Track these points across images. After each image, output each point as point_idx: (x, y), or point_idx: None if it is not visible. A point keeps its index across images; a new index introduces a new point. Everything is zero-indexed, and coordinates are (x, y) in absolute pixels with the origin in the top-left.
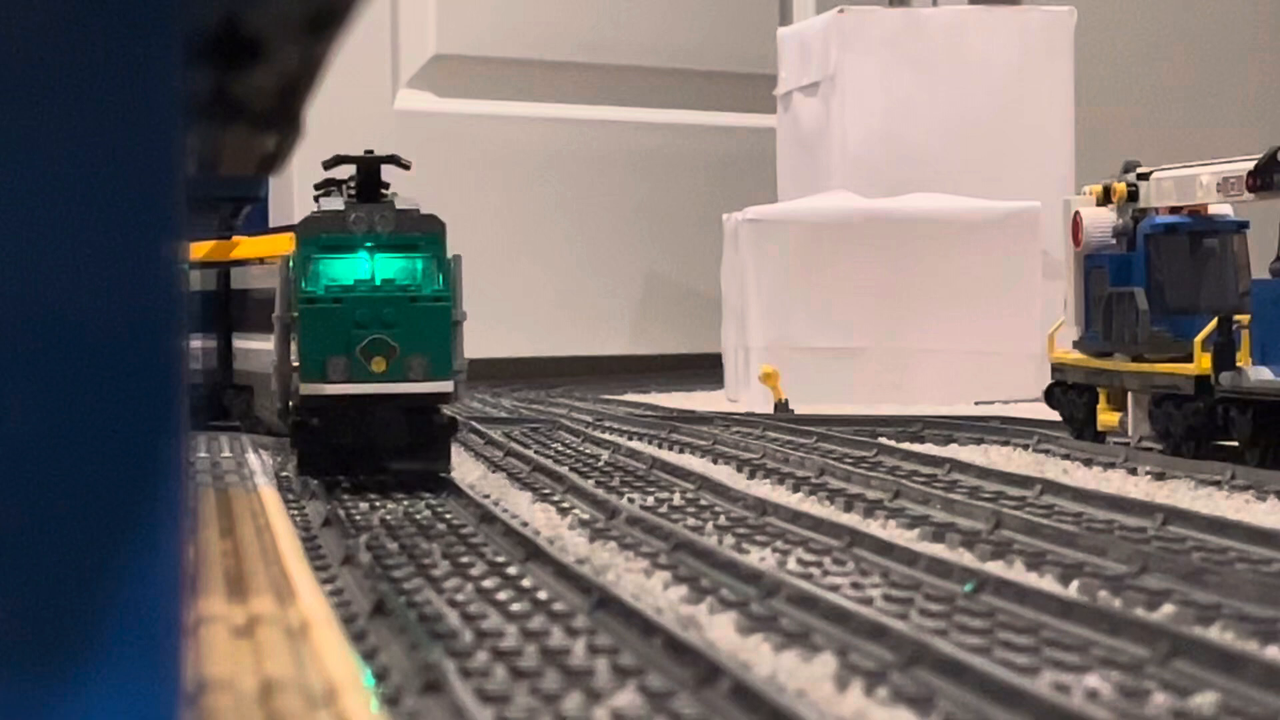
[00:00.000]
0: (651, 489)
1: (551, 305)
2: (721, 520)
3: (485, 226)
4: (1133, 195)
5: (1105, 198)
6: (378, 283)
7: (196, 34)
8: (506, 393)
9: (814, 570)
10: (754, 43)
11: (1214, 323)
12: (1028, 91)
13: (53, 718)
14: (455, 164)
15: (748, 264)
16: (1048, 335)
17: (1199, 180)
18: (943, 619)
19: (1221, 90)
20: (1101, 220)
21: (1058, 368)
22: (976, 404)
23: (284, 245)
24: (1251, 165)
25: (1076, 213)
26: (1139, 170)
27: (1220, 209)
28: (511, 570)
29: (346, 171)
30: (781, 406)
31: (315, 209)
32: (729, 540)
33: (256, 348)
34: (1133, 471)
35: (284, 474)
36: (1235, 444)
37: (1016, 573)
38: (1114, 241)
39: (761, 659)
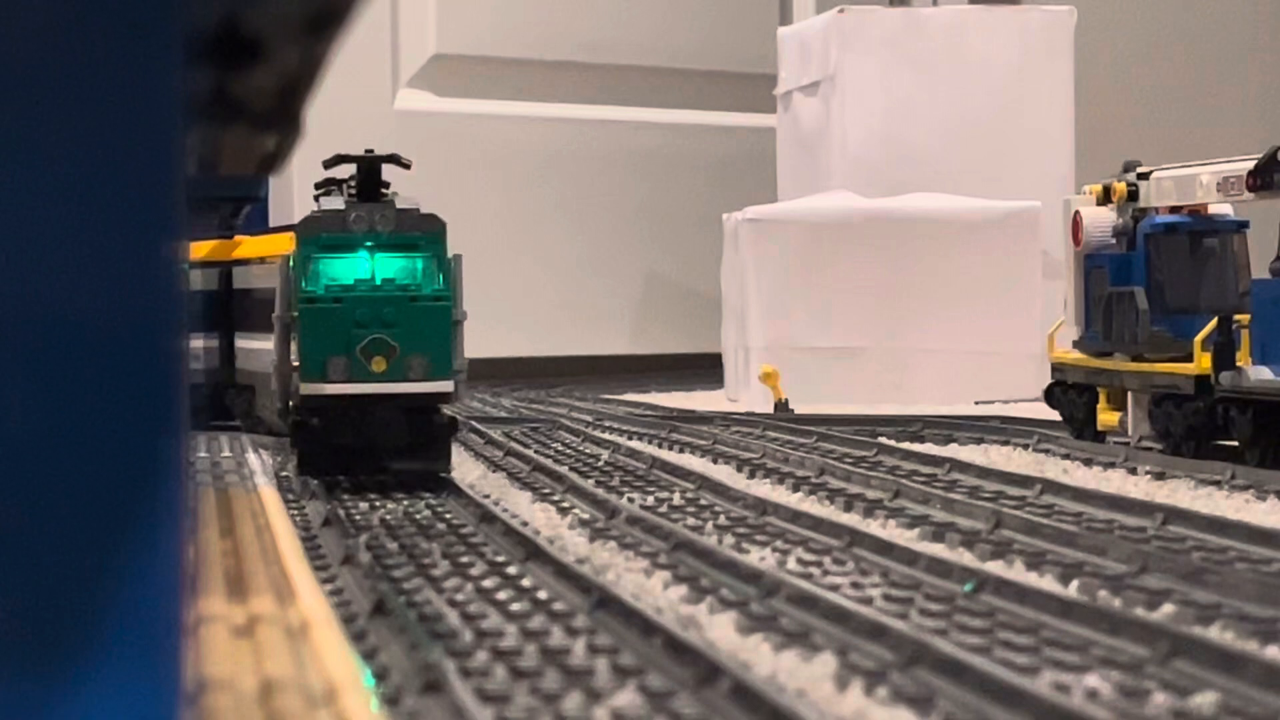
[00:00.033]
0: (651, 489)
1: (551, 305)
2: (721, 520)
3: (485, 226)
4: (1133, 195)
5: (1105, 197)
6: (378, 282)
7: (196, 34)
8: (506, 392)
9: (814, 570)
10: (754, 43)
11: (1214, 322)
12: (1028, 91)
13: (53, 718)
14: (455, 164)
15: (748, 264)
16: (1048, 335)
17: (1199, 180)
18: (943, 619)
19: (1221, 90)
20: (1101, 220)
21: (1058, 367)
22: (976, 404)
23: (286, 245)
24: (1251, 165)
25: (1076, 212)
26: (1139, 170)
27: (1220, 209)
28: (511, 570)
29: (347, 171)
30: (781, 406)
31: (315, 208)
32: (729, 540)
33: (258, 347)
34: (1133, 471)
35: (284, 474)
36: (1235, 444)
37: (1016, 572)
38: (1114, 241)
39: (761, 659)
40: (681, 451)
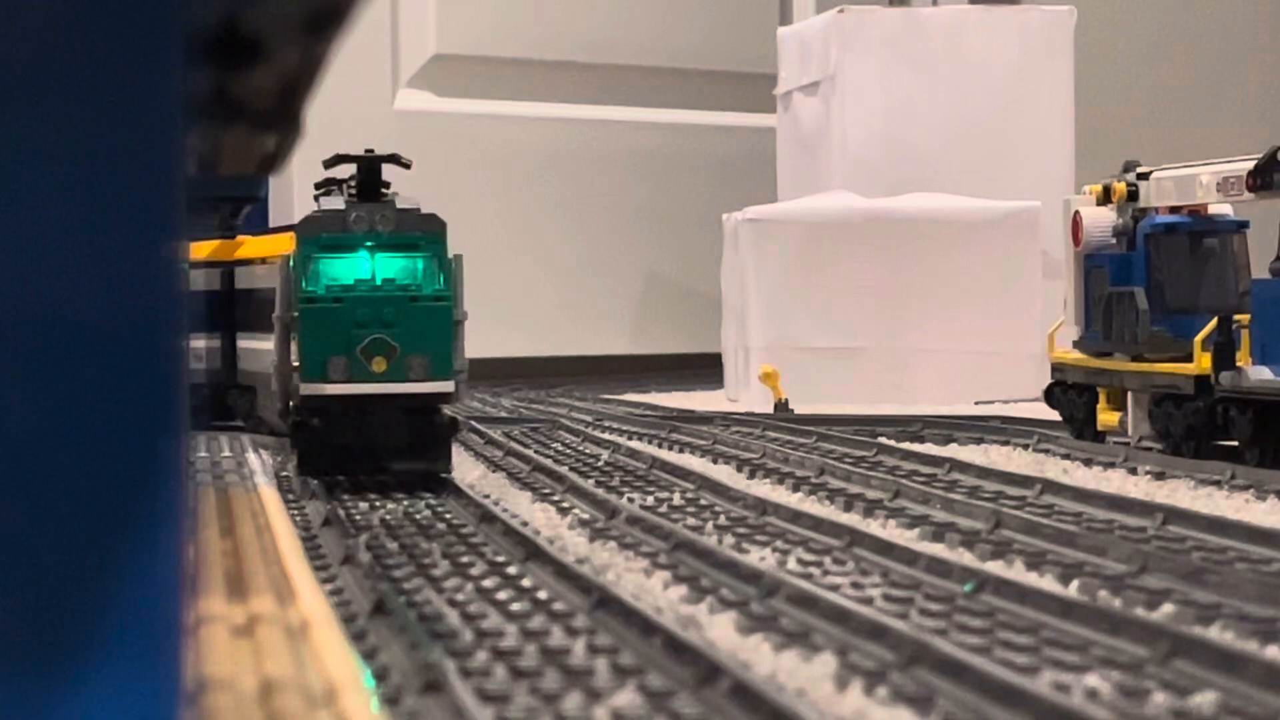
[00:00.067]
0: (651, 489)
1: (551, 305)
2: (721, 520)
3: (485, 226)
4: (1133, 195)
5: (1105, 198)
6: (378, 282)
7: (196, 34)
8: (506, 393)
9: (814, 570)
10: (754, 43)
11: (1214, 323)
12: (1028, 91)
13: (53, 718)
14: (455, 164)
15: (748, 264)
16: (1048, 335)
17: (1199, 180)
18: (943, 619)
19: (1221, 90)
20: (1101, 220)
21: (1058, 367)
22: (976, 404)
23: (288, 245)
24: (1251, 165)
25: (1076, 212)
26: (1139, 170)
27: (1220, 209)
28: (511, 570)
29: (347, 171)
30: (781, 406)
31: (315, 208)
32: (729, 540)
33: (260, 348)
34: (1133, 471)
35: (284, 474)
36: (1235, 444)
37: (1016, 572)
38: (1114, 241)
39: (761, 659)
40: (681, 451)
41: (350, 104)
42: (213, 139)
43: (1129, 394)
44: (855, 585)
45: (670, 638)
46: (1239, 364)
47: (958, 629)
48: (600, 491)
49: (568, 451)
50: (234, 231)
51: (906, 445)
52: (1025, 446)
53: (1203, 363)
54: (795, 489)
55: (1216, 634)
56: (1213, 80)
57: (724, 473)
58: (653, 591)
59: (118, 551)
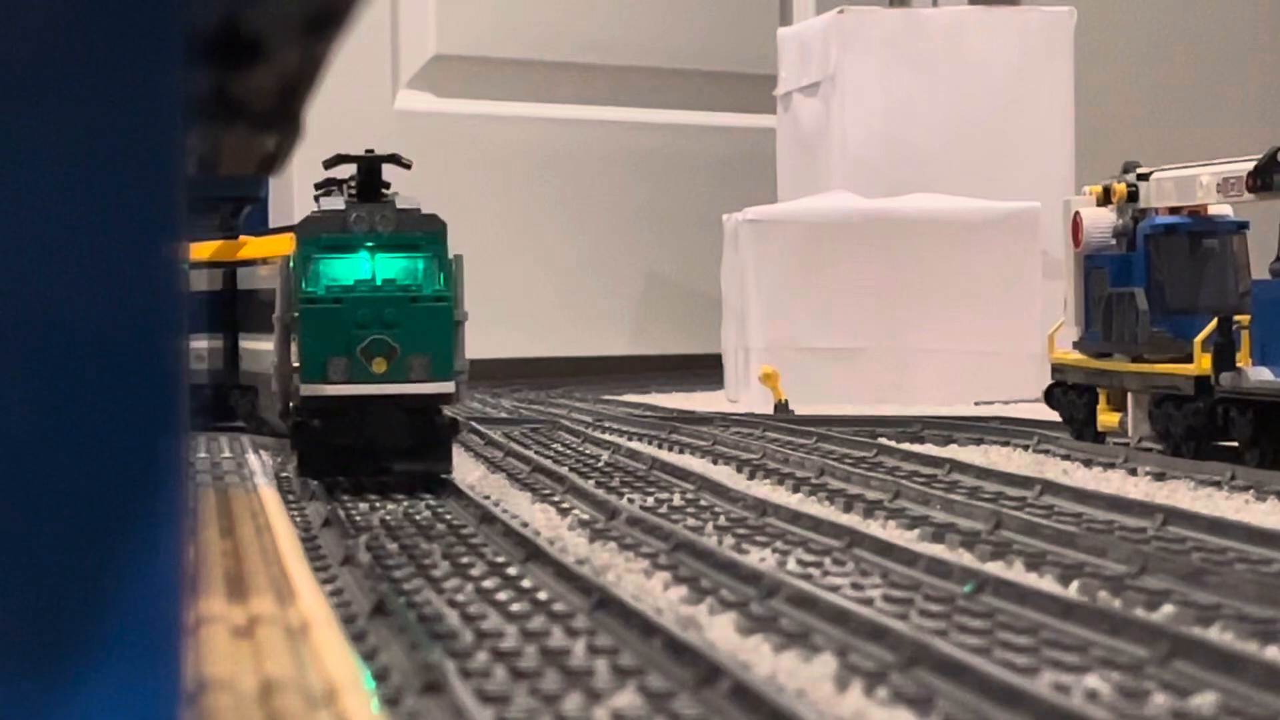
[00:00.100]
0: (651, 489)
1: (551, 305)
2: (721, 521)
3: (485, 226)
4: (1133, 195)
5: (1105, 198)
6: (378, 283)
7: (196, 34)
8: (506, 393)
9: (814, 571)
10: (754, 43)
11: (1214, 323)
12: (1028, 91)
13: (53, 718)
14: (455, 164)
15: (748, 264)
16: (1048, 335)
17: (1199, 180)
18: (943, 619)
19: (1221, 90)
20: (1101, 220)
21: (1058, 368)
22: (976, 404)
23: (290, 246)
24: (1251, 165)
25: (1076, 213)
26: (1139, 170)
27: (1220, 209)
28: (511, 571)
29: (347, 171)
30: (781, 407)
31: (315, 209)
32: (729, 541)
33: (262, 349)
34: (1133, 472)
35: (284, 474)
36: (1235, 444)
37: (1016, 573)
38: (1114, 242)
39: (761, 659)
40: (681, 452)
41: (350, 104)
42: (213, 139)
43: (1129, 395)
44: (855, 586)
45: (670, 638)
46: (1239, 365)
47: (958, 630)
48: (600, 492)
49: (568, 452)
50: (236, 232)
51: (906, 446)
52: (1025, 447)
53: (1203, 363)
54: (795, 490)
55: (1216, 635)
56: (1213, 80)
57: (724, 473)
58: (653, 592)
59: (118, 551)
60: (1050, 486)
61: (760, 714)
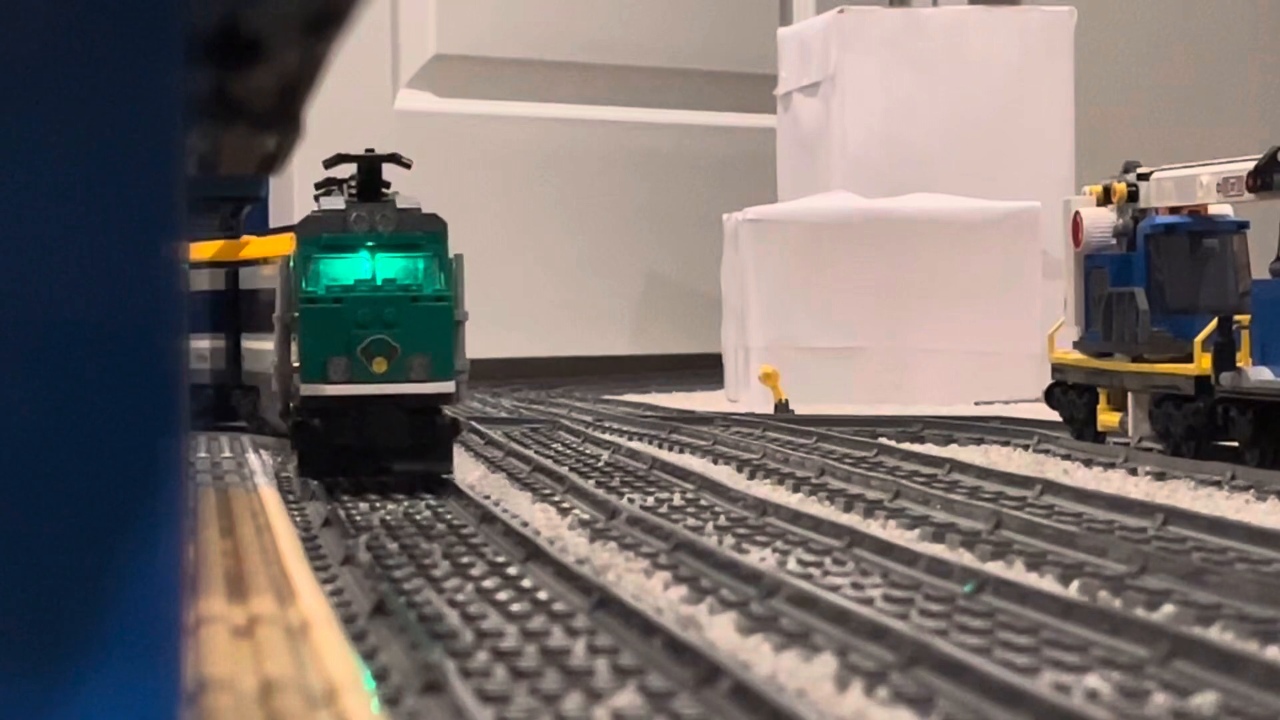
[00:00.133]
0: (652, 489)
1: (551, 305)
2: (721, 520)
3: (485, 226)
4: (1133, 195)
5: (1105, 198)
6: (379, 282)
7: (196, 34)
8: (507, 393)
9: (814, 570)
10: (754, 43)
11: (1214, 323)
12: (1028, 91)
13: (53, 718)
14: (455, 164)
15: (748, 264)
16: (1048, 335)
17: (1199, 180)
18: (943, 619)
19: (1221, 90)
20: (1101, 220)
21: (1058, 368)
22: (976, 404)
23: (292, 245)
24: (1251, 165)
25: (1076, 213)
26: (1139, 170)
27: (1220, 209)
28: (511, 570)
29: (347, 170)
30: (781, 406)
31: (315, 208)
32: (729, 540)
33: (264, 349)
34: (1133, 472)
35: (284, 474)
36: (1235, 444)
37: (1016, 573)
38: (1114, 241)
39: (761, 659)
40: (682, 452)
41: (350, 104)
42: (213, 139)
43: (1129, 394)
44: (855, 586)
45: (670, 638)
46: (1239, 365)
47: (958, 629)
48: (600, 492)
49: (568, 452)
50: (238, 232)
51: (907, 446)
52: (1025, 447)
53: (1203, 363)
54: (795, 489)
55: (1216, 634)
56: (1213, 80)
57: (724, 473)
58: (653, 592)
59: (118, 551)
60: (1050, 486)
61: (760, 714)
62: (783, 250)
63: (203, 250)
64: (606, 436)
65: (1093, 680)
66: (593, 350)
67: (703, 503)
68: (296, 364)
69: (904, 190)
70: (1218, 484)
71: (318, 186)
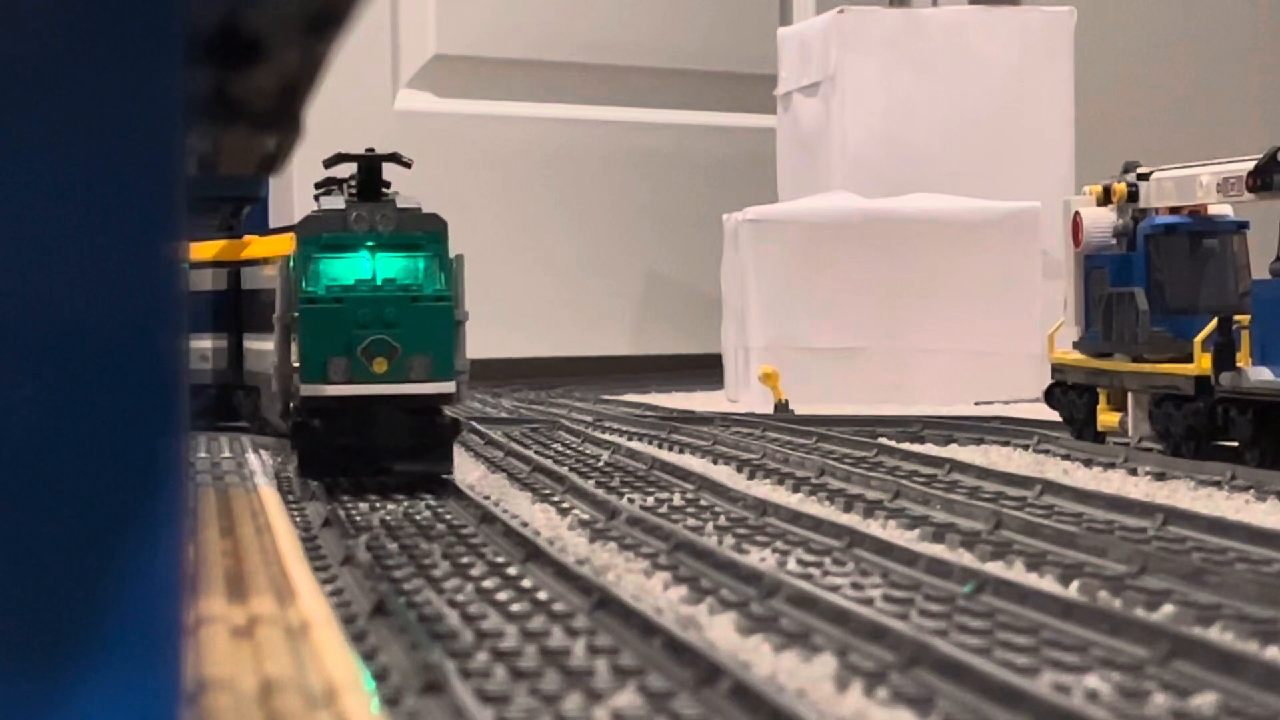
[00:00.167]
0: (651, 489)
1: (551, 305)
2: (721, 520)
3: (485, 226)
4: (1133, 195)
5: (1105, 198)
6: (379, 282)
7: (196, 34)
8: (506, 393)
9: (814, 571)
10: (754, 43)
11: (1214, 323)
12: (1028, 91)
13: (53, 718)
14: (455, 164)
15: (748, 264)
16: (1048, 335)
17: (1199, 180)
18: (943, 619)
19: (1221, 90)
20: (1101, 220)
21: (1058, 368)
22: (976, 404)
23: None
24: (1251, 165)
25: (1076, 213)
26: (1139, 170)
27: (1220, 209)
28: (511, 571)
29: (347, 170)
30: (781, 407)
31: (315, 208)
32: (729, 540)
33: (266, 349)
34: (1133, 472)
35: (284, 474)
36: (1235, 444)
37: (1016, 573)
38: (1114, 241)
39: (761, 659)
40: (681, 452)
41: (350, 104)
42: (213, 139)
43: (1129, 394)
44: (855, 586)
45: (670, 638)
46: (1239, 365)
47: (958, 630)
48: (600, 492)
49: (568, 452)
50: (239, 232)
51: (907, 446)
52: (1025, 447)
53: (1203, 363)
54: (795, 490)
55: (1216, 635)
56: (1213, 80)
57: (724, 473)
58: (653, 592)
59: (118, 551)
60: (1050, 486)
61: (760, 714)
62: (783, 250)
63: (205, 250)
64: (606, 436)
65: (1093, 680)
66: (593, 350)
67: (702, 503)
68: (296, 364)
69: (904, 190)
70: (1218, 484)
71: (318, 186)
